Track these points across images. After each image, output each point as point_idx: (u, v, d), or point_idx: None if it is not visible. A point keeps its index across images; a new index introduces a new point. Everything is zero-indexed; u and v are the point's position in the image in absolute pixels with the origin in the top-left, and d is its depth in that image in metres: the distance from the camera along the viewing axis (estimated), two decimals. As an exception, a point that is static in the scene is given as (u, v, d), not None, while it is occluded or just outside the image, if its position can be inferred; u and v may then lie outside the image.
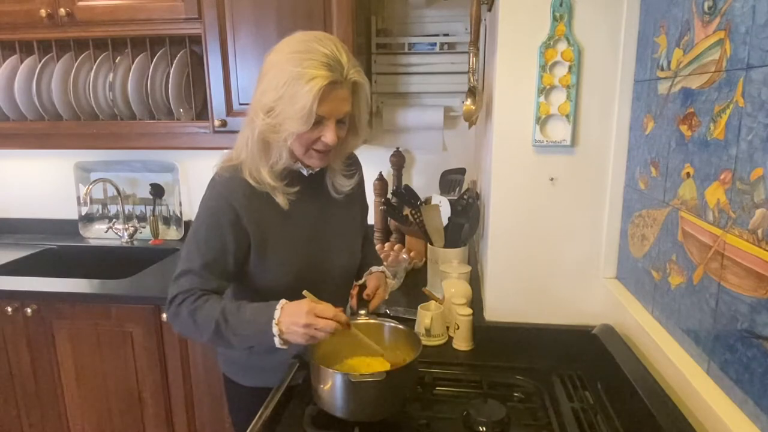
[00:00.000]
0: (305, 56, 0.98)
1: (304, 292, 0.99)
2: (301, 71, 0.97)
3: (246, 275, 1.15)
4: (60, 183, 2.46)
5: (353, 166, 1.26)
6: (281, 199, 1.11)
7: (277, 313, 0.99)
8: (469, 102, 1.39)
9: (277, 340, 0.98)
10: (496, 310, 1.27)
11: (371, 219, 1.73)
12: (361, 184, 1.34)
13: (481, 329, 1.25)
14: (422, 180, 2.26)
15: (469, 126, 1.70)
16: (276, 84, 1.00)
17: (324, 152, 1.08)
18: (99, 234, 2.45)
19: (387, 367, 1.01)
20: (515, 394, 1.06)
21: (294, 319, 0.97)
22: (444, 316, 1.30)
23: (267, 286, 1.15)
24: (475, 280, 1.47)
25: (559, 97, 1.13)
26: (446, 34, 2.08)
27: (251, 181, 1.09)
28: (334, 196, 1.22)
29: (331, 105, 1.01)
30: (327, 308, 0.97)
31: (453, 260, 1.46)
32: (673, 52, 0.91)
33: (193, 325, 1.05)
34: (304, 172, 1.16)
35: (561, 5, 1.09)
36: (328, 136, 1.04)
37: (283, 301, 1.01)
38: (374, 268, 1.29)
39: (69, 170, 2.44)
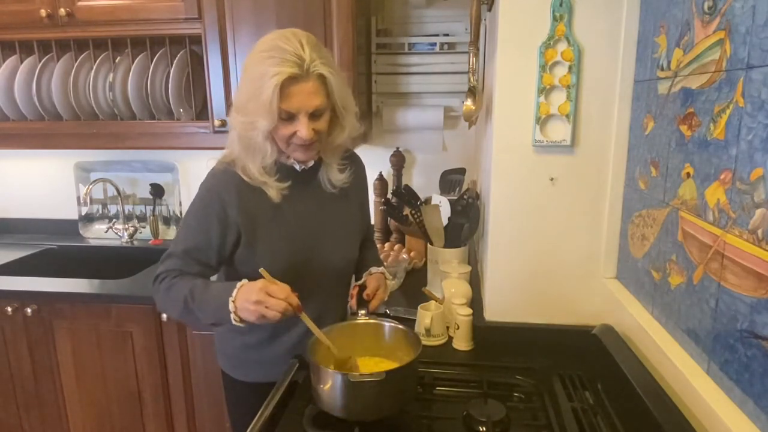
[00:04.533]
0: (268, 54, 1.04)
1: (261, 270, 1.01)
2: (264, 69, 1.03)
3: (237, 266, 1.17)
4: (60, 183, 2.46)
5: (348, 159, 1.27)
6: (273, 193, 1.14)
7: (234, 291, 1.02)
8: (469, 102, 1.39)
9: (232, 317, 1.02)
10: (496, 310, 1.27)
11: (371, 219, 1.73)
12: (361, 182, 1.34)
13: (481, 329, 1.25)
14: (422, 180, 2.26)
15: (469, 126, 1.70)
16: (245, 85, 1.08)
17: (304, 146, 1.11)
18: (99, 234, 2.45)
19: (387, 367, 1.01)
20: (515, 394, 1.06)
21: (246, 296, 1.00)
22: (444, 316, 1.29)
23: (258, 278, 1.15)
24: (475, 280, 1.47)
25: (559, 97, 1.13)
26: (446, 34, 2.07)
27: (244, 177, 1.13)
28: (330, 192, 1.23)
29: (296, 99, 1.05)
30: (281, 289, 0.99)
31: (453, 260, 1.46)
32: (673, 52, 0.91)
33: (168, 300, 1.11)
34: (297, 167, 1.18)
35: (561, 5, 1.09)
36: (302, 130, 1.07)
37: (243, 281, 1.04)
38: (374, 269, 1.29)
39: (69, 170, 2.44)
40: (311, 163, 1.19)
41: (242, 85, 1.10)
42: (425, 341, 1.24)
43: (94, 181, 2.37)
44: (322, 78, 1.06)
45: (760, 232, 0.66)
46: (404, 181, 2.19)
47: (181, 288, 1.08)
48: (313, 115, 1.08)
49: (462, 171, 2.14)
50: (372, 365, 1.05)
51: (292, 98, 1.04)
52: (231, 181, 1.13)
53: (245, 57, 1.80)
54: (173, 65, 1.96)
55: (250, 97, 1.05)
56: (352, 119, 1.16)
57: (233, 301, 1.02)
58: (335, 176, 1.22)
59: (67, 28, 1.93)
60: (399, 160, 2.16)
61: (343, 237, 1.27)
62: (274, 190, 1.14)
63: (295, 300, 0.99)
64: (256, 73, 1.04)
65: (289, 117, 1.06)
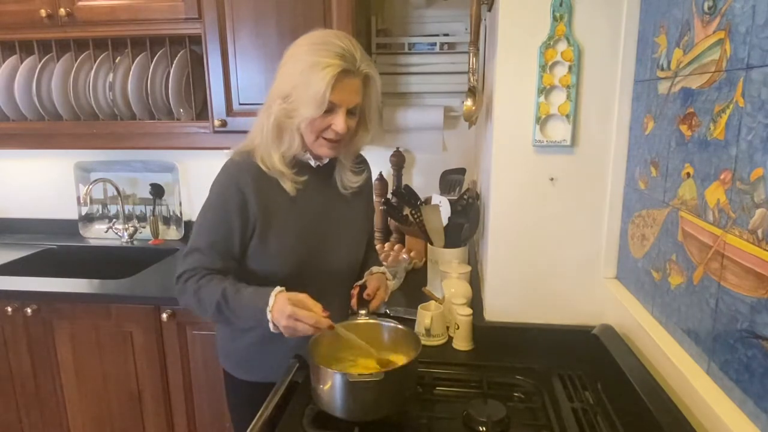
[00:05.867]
0: (322, 47, 1.06)
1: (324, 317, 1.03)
2: (318, 60, 1.05)
3: (248, 258, 1.18)
4: (60, 183, 2.46)
5: (362, 164, 1.30)
6: (289, 186, 1.16)
7: (271, 301, 1.04)
8: (469, 102, 1.39)
9: (271, 326, 1.04)
10: (496, 310, 1.27)
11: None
12: (369, 184, 1.37)
13: (481, 329, 1.25)
14: (422, 180, 2.26)
15: (469, 126, 1.70)
16: (293, 72, 1.08)
17: (333, 141, 1.13)
18: (99, 234, 2.45)
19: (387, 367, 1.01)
20: (515, 394, 1.06)
21: (279, 314, 1.02)
22: (444, 316, 1.29)
23: (268, 270, 1.18)
24: (475, 280, 1.47)
25: (559, 97, 1.13)
26: (446, 34, 2.08)
27: (262, 166, 1.14)
28: (341, 192, 1.25)
29: (343, 93, 1.07)
30: (309, 315, 1.00)
31: (453, 260, 1.46)
32: (673, 52, 0.91)
33: (198, 303, 1.11)
34: (312, 163, 1.20)
35: (561, 5, 1.09)
36: (339, 124, 1.09)
37: (278, 289, 1.05)
38: (375, 269, 1.30)
39: (69, 170, 2.44)
40: (326, 161, 1.21)
41: (287, 73, 1.10)
42: (425, 341, 1.24)
43: (94, 181, 2.37)
44: (366, 79, 1.11)
45: (760, 232, 0.66)
46: (404, 181, 2.19)
47: (213, 291, 1.09)
48: (350, 112, 1.11)
49: (462, 171, 2.14)
50: (372, 365, 1.05)
51: (338, 91, 1.06)
52: (249, 171, 1.14)
53: (245, 57, 1.84)
54: (173, 65, 1.96)
55: (296, 84, 1.07)
56: (376, 124, 1.21)
57: (270, 311, 1.03)
58: (350, 178, 1.24)
59: (67, 28, 1.94)
60: (399, 160, 2.16)
61: (350, 237, 1.29)
62: (290, 182, 1.15)
63: (324, 323, 1.01)
64: (307, 62, 1.06)
65: (329, 108, 1.08)
